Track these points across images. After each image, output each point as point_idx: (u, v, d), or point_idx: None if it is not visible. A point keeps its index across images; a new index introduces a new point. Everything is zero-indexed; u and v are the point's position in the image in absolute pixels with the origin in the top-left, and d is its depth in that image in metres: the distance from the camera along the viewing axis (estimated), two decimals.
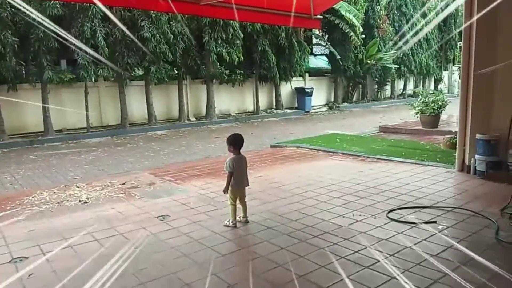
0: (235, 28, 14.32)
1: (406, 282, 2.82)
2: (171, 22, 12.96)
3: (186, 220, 4.27)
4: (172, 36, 12.90)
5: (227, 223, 4.06)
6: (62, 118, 12.38)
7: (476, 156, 5.67)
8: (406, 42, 21.85)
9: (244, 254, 3.49)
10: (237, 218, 4.10)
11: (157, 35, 12.42)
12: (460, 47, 6.38)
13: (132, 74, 13.07)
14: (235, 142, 4.04)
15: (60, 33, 10.77)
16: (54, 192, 5.55)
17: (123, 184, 5.91)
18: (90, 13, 11.30)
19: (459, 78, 6.74)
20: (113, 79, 13.08)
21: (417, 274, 2.94)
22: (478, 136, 5.61)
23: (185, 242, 3.68)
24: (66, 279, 3.05)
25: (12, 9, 10.29)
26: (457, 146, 6.12)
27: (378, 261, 3.16)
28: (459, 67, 6.92)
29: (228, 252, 3.49)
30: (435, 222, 3.97)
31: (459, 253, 3.28)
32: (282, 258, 3.28)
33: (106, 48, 11.70)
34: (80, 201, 5.12)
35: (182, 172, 6.62)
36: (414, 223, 3.95)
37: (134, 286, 2.90)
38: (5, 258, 3.46)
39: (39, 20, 10.36)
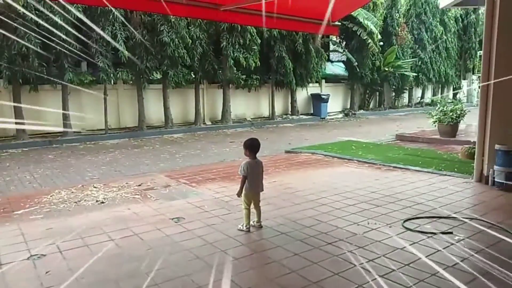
0: (253, 34, 14.41)
1: None
2: (190, 27, 13.13)
3: (200, 223, 4.30)
4: (191, 41, 13.06)
5: (241, 227, 4.08)
6: (81, 119, 12.60)
7: (495, 167, 5.56)
8: (425, 50, 21.61)
9: (257, 258, 3.50)
10: (251, 222, 4.11)
11: (176, 39, 12.59)
12: (480, 56, 6.29)
13: (150, 77, 13.25)
14: (251, 146, 4.07)
15: (80, 35, 10.99)
16: (72, 192, 5.65)
17: (139, 185, 5.99)
18: (111, 17, 11.53)
19: (479, 88, 6.64)
20: (131, 82, 13.29)
21: (432, 284, 2.90)
22: (497, 146, 5.51)
23: (199, 245, 3.71)
24: (82, 277, 3.11)
25: (36, 12, 10.57)
26: (475, 157, 6.02)
27: (393, 270, 3.13)
28: (479, 76, 6.82)
29: (242, 256, 3.50)
30: (451, 232, 3.90)
31: (476, 265, 3.22)
32: (295, 264, 3.27)
33: (126, 52, 11.91)
34: (97, 201, 5.20)
35: (197, 175, 6.67)
36: (430, 233, 3.90)
37: (148, 286, 2.93)
38: (24, 255, 3.54)
39: (62, 23, 10.62)
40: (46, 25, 10.89)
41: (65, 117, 11.86)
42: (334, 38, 19.14)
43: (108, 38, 11.49)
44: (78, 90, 12.41)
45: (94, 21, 11.62)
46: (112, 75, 12.08)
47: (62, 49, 11.12)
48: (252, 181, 4.02)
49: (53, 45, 11.06)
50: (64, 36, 10.91)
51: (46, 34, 11.00)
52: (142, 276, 3.09)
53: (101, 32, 11.47)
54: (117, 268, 3.22)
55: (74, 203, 5.12)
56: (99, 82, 12.27)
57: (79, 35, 10.97)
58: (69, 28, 10.97)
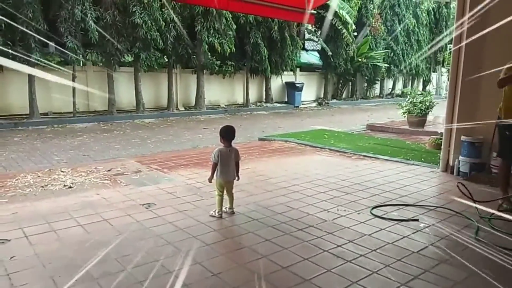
0: (228, 19, 14.24)
1: (386, 277, 2.88)
2: (163, 9, 12.82)
3: (171, 209, 4.27)
4: (164, 24, 12.77)
5: (213, 213, 4.07)
6: (48, 101, 12.17)
7: (460, 158, 5.77)
8: (397, 41, 21.99)
9: (228, 244, 3.51)
10: (224, 209, 4.11)
11: (149, 21, 12.28)
12: (450, 49, 6.45)
13: (121, 60, 12.90)
14: (225, 133, 4.05)
15: (49, 14, 10.54)
16: (38, 176, 5.48)
17: (109, 170, 5.87)
18: None
19: (448, 80, 6.83)
20: (102, 64, 12.90)
21: (397, 269, 3.00)
22: (463, 138, 5.72)
23: (170, 231, 3.68)
24: (49, 262, 3.04)
25: None
26: (442, 147, 6.22)
27: (360, 255, 3.21)
28: (448, 69, 7.01)
29: (213, 242, 3.50)
30: (417, 220, 4.04)
31: (439, 251, 3.35)
32: (266, 250, 3.31)
33: (96, 33, 11.53)
34: (64, 185, 5.07)
35: (169, 161, 6.59)
36: (396, 220, 4.02)
37: (117, 272, 2.89)
38: None
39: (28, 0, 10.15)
40: (10, 1, 10.38)
41: (32, 99, 11.42)
42: (309, 26, 19.18)
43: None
44: (45, 71, 11.95)
45: (63, 0, 11.15)
46: (81, 56, 11.67)
47: (29, 28, 10.64)
48: (222, 168, 4.01)
49: (19, 23, 10.56)
50: (30, 14, 10.44)
51: (12, 12, 10.49)
52: (111, 261, 3.05)
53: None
54: (85, 254, 3.16)
55: (41, 188, 4.97)
56: (67, 63, 11.85)
57: (47, 13, 10.54)
58: (36, 6, 10.50)
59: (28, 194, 4.73)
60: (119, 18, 12.03)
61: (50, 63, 11.54)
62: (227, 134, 4.05)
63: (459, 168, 5.82)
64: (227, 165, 4.02)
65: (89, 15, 11.33)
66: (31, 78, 11.37)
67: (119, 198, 4.61)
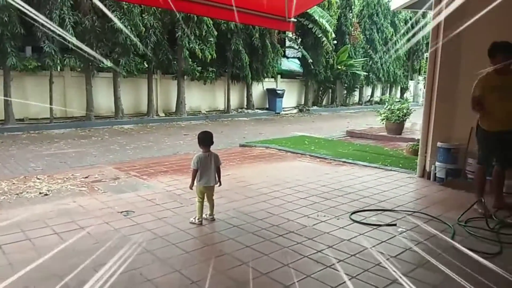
0: (209, 25, 14.24)
1: (365, 282, 2.91)
2: (143, 15, 12.75)
3: (150, 216, 4.22)
4: (144, 29, 12.68)
5: (193, 220, 4.04)
6: (24, 107, 11.89)
7: (437, 163, 5.90)
8: (376, 50, 22.41)
9: (208, 251, 3.49)
10: (204, 215, 4.09)
11: (129, 26, 12.17)
12: (427, 57, 6.61)
13: (100, 65, 12.72)
14: (203, 140, 4.03)
15: (26, 18, 10.33)
16: (13, 183, 5.34)
17: (86, 177, 5.76)
18: (59, 0, 10.93)
19: (424, 88, 6.99)
20: (80, 69, 12.69)
21: (376, 274, 3.03)
22: (439, 144, 5.85)
23: (148, 238, 3.64)
24: (23, 271, 2.95)
25: None
26: (419, 153, 6.35)
27: (340, 260, 3.24)
28: (425, 77, 7.18)
29: (193, 249, 3.47)
30: (395, 225, 4.10)
31: (416, 255, 3.41)
32: (246, 256, 3.30)
33: (75, 37, 11.35)
34: (40, 193, 4.95)
35: (149, 167, 6.52)
36: (375, 225, 4.07)
37: (95, 281, 2.83)
38: None
39: (5, 2, 9.93)
40: None
41: (7, 104, 11.13)
42: (290, 34, 19.37)
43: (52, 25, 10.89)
44: (22, 76, 11.69)
45: (41, 3, 10.96)
46: (58, 61, 11.46)
47: (4, 32, 10.40)
48: (203, 174, 3.99)
49: None
50: (6, 18, 10.21)
51: None
52: (88, 271, 2.98)
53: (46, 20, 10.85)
54: (62, 263, 3.09)
55: (16, 195, 4.83)
56: (44, 68, 11.61)
57: (24, 17, 10.33)
58: (12, 10, 10.28)
59: (2, 201, 4.60)
60: (98, 23, 11.88)
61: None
62: (205, 139, 4.04)
63: (435, 173, 5.94)
64: (207, 171, 4.00)
65: (67, 19, 11.16)
66: (6, 83, 11.10)
67: (96, 206, 4.52)
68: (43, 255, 3.24)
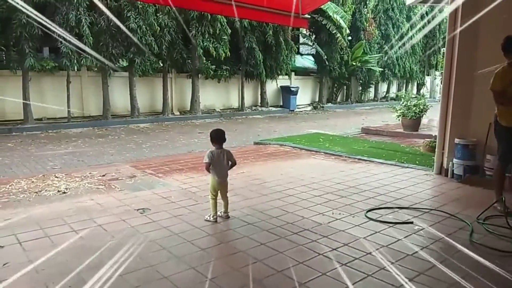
0: (223, 23, 14.26)
1: (381, 280, 2.88)
2: (158, 14, 12.85)
3: (166, 213, 4.26)
4: (159, 28, 12.78)
5: (208, 217, 4.07)
6: (42, 107, 12.12)
7: (454, 160, 5.80)
8: (391, 46, 22.13)
9: (223, 249, 3.50)
10: (218, 213, 4.11)
11: (143, 26, 12.29)
12: (443, 53, 6.50)
13: (116, 65, 12.88)
14: (215, 136, 4.05)
15: (43, 20, 10.53)
16: (32, 182, 5.45)
17: (103, 175, 5.85)
18: (75, 1, 11.09)
19: (441, 83, 6.87)
20: (96, 69, 12.88)
21: (392, 272, 3.00)
22: (456, 140, 5.75)
23: (164, 236, 3.67)
24: (42, 268, 3.02)
25: None
26: (436, 150, 6.26)
27: (355, 258, 3.22)
28: (442, 73, 7.06)
29: (208, 246, 3.49)
30: (411, 222, 4.05)
31: (434, 253, 3.36)
32: (261, 254, 3.31)
33: (91, 38, 11.52)
34: (58, 191, 5.04)
35: (164, 165, 6.58)
36: (391, 223, 4.03)
37: (112, 277, 2.87)
38: None
39: (23, 5, 10.13)
40: (5, 7, 10.35)
41: (26, 104, 11.37)
42: (304, 31, 19.27)
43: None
44: (40, 76, 11.92)
45: (58, 5, 11.14)
46: (75, 61, 11.64)
47: (23, 33, 10.61)
48: (215, 169, 4.02)
49: (13, 28, 10.54)
50: (24, 20, 10.42)
51: (5, 17, 10.48)
52: (105, 267, 3.03)
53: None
54: (79, 260, 3.15)
55: (35, 193, 4.94)
56: (61, 68, 11.81)
57: (41, 19, 10.52)
58: (30, 11, 10.48)
59: (22, 200, 4.70)
60: (113, 23, 12.02)
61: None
62: (217, 137, 4.05)
63: (453, 170, 5.85)
64: (220, 166, 4.04)
65: (83, 20, 11.32)
66: (25, 83, 11.33)
67: (113, 203, 4.59)
68: (61, 252, 3.31)
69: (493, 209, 4.35)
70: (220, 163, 4.04)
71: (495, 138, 4.75)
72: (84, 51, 11.68)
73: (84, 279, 2.85)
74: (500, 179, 4.62)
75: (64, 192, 5.00)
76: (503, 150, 4.58)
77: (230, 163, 4.09)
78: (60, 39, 11.18)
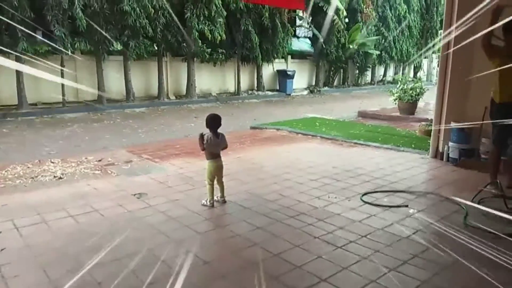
0: (218, 5, 14.05)
1: (376, 263, 2.92)
2: None
3: (163, 198, 4.27)
4: (153, 11, 12.57)
5: (205, 202, 4.08)
6: (37, 91, 12.01)
7: (450, 144, 5.83)
8: (389, 28, 21.93)
9: (220, 232, 3.53)
10: (215, 198, 4.12)
11: (137, 8, 12.09)
12: (441, 35, 6.46)
13: (110, 48, 12.71)
14: (211, 122, 4.01)
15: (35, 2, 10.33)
16: (28, 167, 5.44)
17: (99, 161, 5.84)
18: None
19: (438, 67, 6.85)
20: (90, 52, 12.71)
21: (387, 255, 3.04)
22: (452, 124, 5.76)
23: (162, 220, 3.69)
24: (40, 254, 3.03)
25: None
26: (431, 133, 6.27)
27: (351, 241, 3.25)
28: (439, 56, 7.03)
29: (205, 230, 3.52)
30: (407, 206, 4.09)
31: (429, 236, 3.40)
32: (258, 237, 3.33)
33: (84, 21, 11.33)
34: (55, 176, 5.03)
35: (161, 150, 6.57)
36: (386, 206, 4.06)
37: (109, 262, 2.90)
38: None
39: None
40: None
41: (20, 89, 11.25)
42: (300, 13, 19.04)
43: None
44: (33, 61, 11.74)
45: None
46: (69, 44, 11.48)
47: (15, 17, 10.42)
48: (211, 153, 4.02)
49: (4, 11, 10.34)
50: (16, 3, 10.22)
51: None
52: (102, 251, 3.04)
53: None
54: (77, 245, 3.16)
55: (31, 179, 4.93)
56: (55, 52, 11.66)
57: (34, 1, 10.32)
58: None
59: (18, 185, 4.70)
60: (107, 6, 11.82)
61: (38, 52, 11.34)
62: (213, 122, 4.01)
63: (448, 154, 5.88)
64: (215, 149, 4.04)
65: (76, 2, 11.11)
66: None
67: (110, 189, 4.59)
68: (59, 237, 3.33)
69: (488, 192, 4.39)
70: (216, 147, 4.04)
71: (490, 118, 4.76)
72: (78, 34, 11.52)
73: (82, 263, 2.87)
74: (495, 163, 4.65)
75: (60, 178, 5.00)
76: (497, 132, 4.60)
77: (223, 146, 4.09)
78: (53, 22, 11.00)
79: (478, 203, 4.12)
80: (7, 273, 2.75)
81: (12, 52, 10.75)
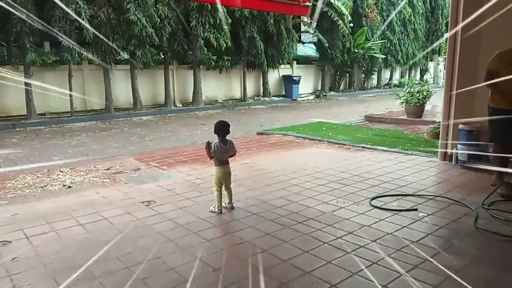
0: (223, 13, 14.14)
1: (387, 268, 2.89)
2: (157, 5, 12.76)
3: (171, 205, 4.28)
4: (159, 20, 12.71)
5: (213, 209, 4.08)
6: (45, 101, 12.15)
7: (458, 146, 5.78)
8: (394, 31, 21.90)
9: (229, 239, 3.52)
10: (223, 204, 4.12)
11: (143, 18, 12.22)
12: (446, 38, 6.44)
13: (117, 58, 12.84)
14: (220, 129, 4.04)
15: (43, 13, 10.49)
16: (38, 176, 5.48)
17: (108, 169, 5.87)
18: None
19: (444, 69, 6.82)
20: (97, 62, 12.84)
21: (398, 259, 3.01)
22: (460, 126, 5.72)
23: (170, 228, 3.70)
24: (50, 262, 3.05)
25: None
26: (440, 136, 6.23)
27: (360, 246, 3.23)
28: (445, 58, 7.00)
29: (213, 237, 3.51)
30: (416, 209, 4.05)
31: (439, 239, 3.37)
32: (266, 243, 3.32)
33: (91, 31, 11.47)
34: (64, 185, 5.07)
35: (168, 158, 6.60)
36: (396, 210, 4.04)
37: (119, 270, 2.91)
38: None
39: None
40: (4, 1, 10.31)
41: (28, 100, 11.39)
42: (305, 19, 19.08)
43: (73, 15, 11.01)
44: (41, 71, 11.91)
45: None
46: (76, 55, 11.62)
47: (23, 28, 10.58)
48: (220, 161, 4.03)
49: (13, 23, 10.51)
50: (24, 15, 10.38)
51: (5, 12, 10.44)
52: (112, 260, 3.06)
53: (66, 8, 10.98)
54: (86, 253, 3.18)
55: (40, 188, 4.97)
56: (63, 62, 11.80)
57: (41, 13, 10.48)
58: (30, 6, 10.44)
59: (27, 195, 4.74)
60: (113, 16, 11.97)
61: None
62: (222, 129, 4.04)
63: (457, 156, 5.83)
64: (223, 157, 4.06)
65: (83, 13, 11.27)
66: (27, 78, 11.32)
67: (118, 197, 4.62)
68: (68, 245, 3.35)
69: (497, 194, 4.34)
70: (224, 155, 4.05)
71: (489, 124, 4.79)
72: (85, 44, 11.66)
73: (92, 272, 2.88)
74: (500, 162, 4.63)
75: (70, 187, 5.03)
76: (493, 133, 4.66)
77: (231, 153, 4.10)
78: (60, 33, 11.16)
79: (489, 206, 4.08)
80: (18, 283, 2.77)
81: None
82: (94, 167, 5.98)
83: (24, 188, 4.98)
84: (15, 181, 5.24)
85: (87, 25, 11.27)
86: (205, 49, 14.43)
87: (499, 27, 5.16)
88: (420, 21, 23.39)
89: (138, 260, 3.06)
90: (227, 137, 4.09)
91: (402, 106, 10.90)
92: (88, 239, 3.47)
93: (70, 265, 3.00)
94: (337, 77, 21.42)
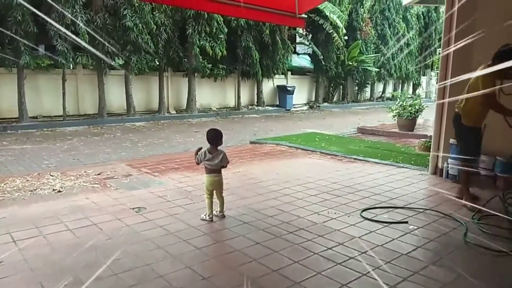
0: (219, 22, 14.23)
1: (376, 279, 2.90)
2: (154, 12, 12.81)
3: (162, 212, 4.26)
4: (155, 27, 12.75)
5: (204, 217, 4.07)
6: (38, 104, 12.07)
7: (449, 160, 5.83)
8: (388, 46, 22.17)
9: (219, 248, 3.51)
10: (214, 212, 4.11)
11: (140, 24, 12.24)
12: (439, 53, 6.54)
13: (112, 63, 12.82)
14: (210, 137, 4.04)
15: (38, 17, 10.47)
16: (27, 180, 5.43)
17: (99, 174, 5.83)
18: None
19: (437, 84, 6.91)
20: (92, 67, 12.82)
21: (387, 272, 3.02)
22: (451, 140, 5.77)
23: (160, 235, 3.67)
24: (37, 267, 3.01)
25: None
26: (431, 150, 6.28)
27: (350, 258, 3.23)
28: (437, 73, 7.09)
29: (204, 245, 3.49)
30: (406, 222, 4.07)
31: (428, 252, 3.38)
32: (257, 253, 3.31)
33: (87, 35, 11.47)
34: (53, 189, 5.02)
35: (160, 164, 6.57)
36: (386, 222, 4.05)
37: (107, 277, 2.87)
38: None
39: (18, 2, 10.07)
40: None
41: (21, 102, 11.30)
42: (300, 30, 19.27)
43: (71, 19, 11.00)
44: (35, 74, 11.85)
45: (53, 2, 11.07)
46: (71, 59, 11.58)
47: (18, 31, 10.54)
48: (206, 166, 4.02)
49: (8, 26, 10.47)
50: (19, 18, 10.35)
51: (0, 14, 10.42)
52: (100, 266, 3.02)
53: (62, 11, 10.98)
54: (74, 258, 3.14)
55: (30, 192, 4.92)
56: (57, 66, 11.75)
57: (37, 16, 10.46)
58: (26, 8, 10.41)
59: (16, 198, 4.68)
60: (109, 21, 11.98)
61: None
62: (214, 138, 4.04)
63: (448, 170, 5.88)
64: (213, 166, 4.02)
65: (79, 18, 11.27)
66: (20, 81, 11.26)
67: (109, 202, 4.58)
68: (56, 250, 3.31)
69: (488, 208, 4.37)
70: (213, 164, 4.02)
71: (456, 135, 4.98)
72: (80, 48, 11.63)
73: (80, 278, 2.85)
74: (465, 176, 4.79)
75: (59, 191, 4.99)
76: (462, 148, 4.81)
77: (221, 163, 4.05)
78: (56, 37, 11.13)
79: (478, 220, 4.11)
80: (4, 287, 2.73)
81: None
82: (85, 172, 5.94)
83: (13, 191, 4.93)
84: (4, 184, 5.18)
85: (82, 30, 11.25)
86: (201, 57, 14.47)
87: (491, 42, 5.25)
88: (414, 36, 23.73)
89: (127, 267, 3.03)
90: (221, 147, 4.08)
91: (395, 119, 11.01)
92: (76, 244, 3.43)
93: (57, 270, 2.96)
94: (331, 89, 21.58)
